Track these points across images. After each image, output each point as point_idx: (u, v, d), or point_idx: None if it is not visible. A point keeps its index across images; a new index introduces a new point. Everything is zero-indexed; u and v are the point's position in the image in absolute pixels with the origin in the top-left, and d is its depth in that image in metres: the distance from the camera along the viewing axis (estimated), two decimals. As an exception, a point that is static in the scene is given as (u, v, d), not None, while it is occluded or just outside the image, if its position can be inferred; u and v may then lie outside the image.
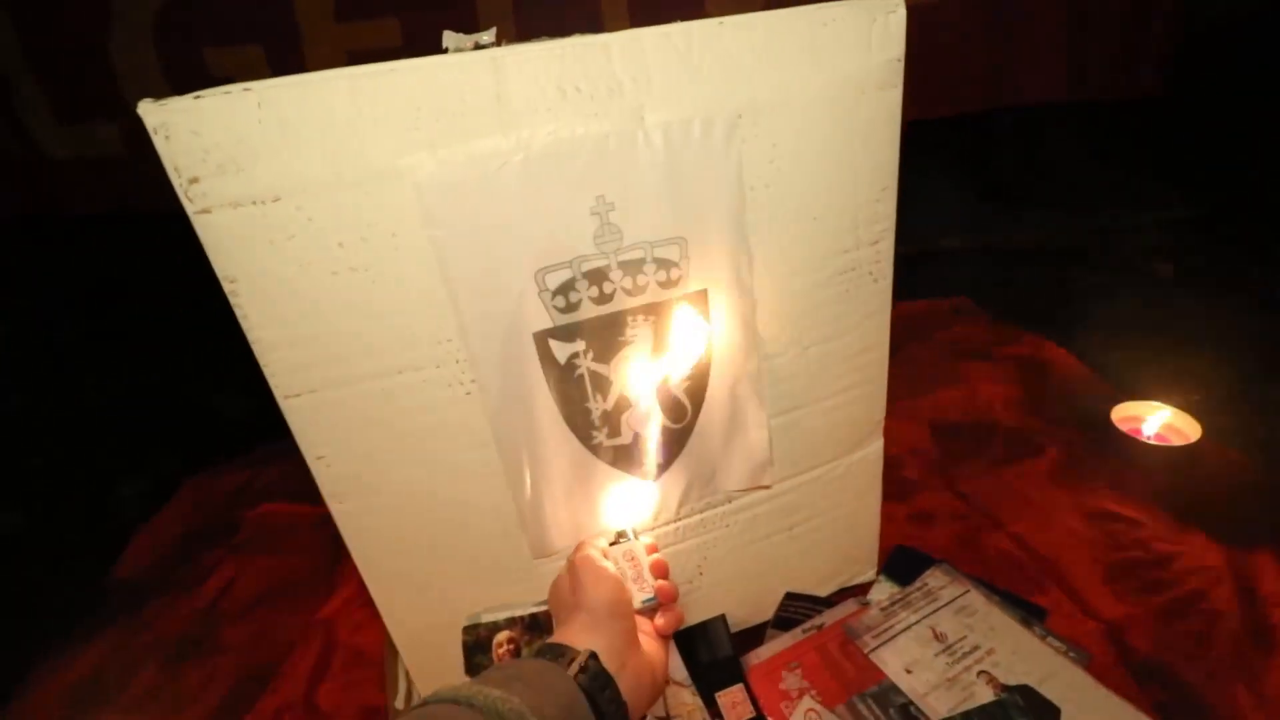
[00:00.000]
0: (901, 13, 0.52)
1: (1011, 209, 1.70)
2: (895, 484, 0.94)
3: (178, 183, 0.42)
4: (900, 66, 0.54)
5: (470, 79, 0.44)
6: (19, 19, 1.93)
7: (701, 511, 0.67)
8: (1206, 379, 1.05)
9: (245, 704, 0.77)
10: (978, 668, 0.68)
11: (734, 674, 0.69)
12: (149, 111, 0.40)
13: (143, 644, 0.88)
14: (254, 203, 0.43)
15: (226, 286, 0.45)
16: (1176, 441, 0.96)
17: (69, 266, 1.91)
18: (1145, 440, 0.97)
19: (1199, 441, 0.94)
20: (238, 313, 0.46)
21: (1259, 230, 1.51)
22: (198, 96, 0.41)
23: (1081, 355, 1.20)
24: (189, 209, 0.43)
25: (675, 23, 0.48)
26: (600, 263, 0.52)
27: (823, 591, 0.78)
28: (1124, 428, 0.99)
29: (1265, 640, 0.69)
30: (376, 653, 0.81)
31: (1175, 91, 1.66)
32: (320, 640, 0.84)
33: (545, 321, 0.52)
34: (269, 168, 0.43)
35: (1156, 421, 0.99)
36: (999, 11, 1.71)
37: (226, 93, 0.41)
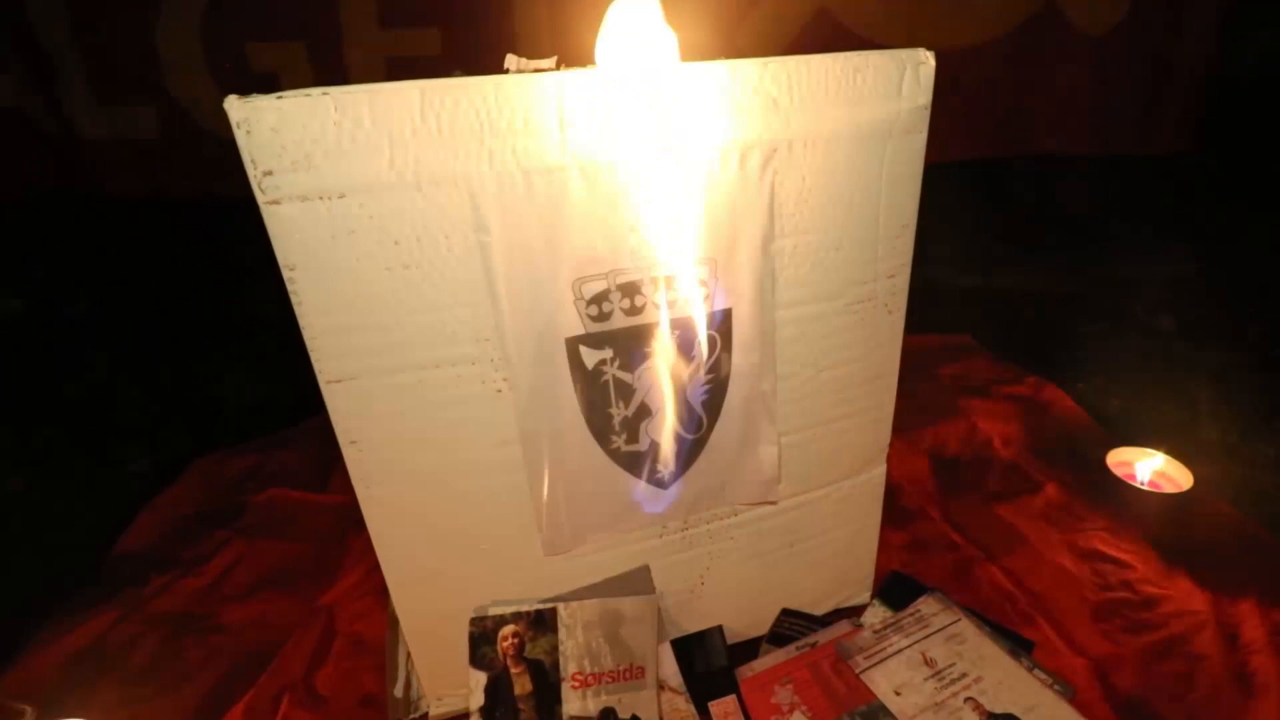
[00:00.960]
0: (931, 64, 0.56)
1: (1020, 253, 1.74)
2: (892, 512, 0.96)
3: (252, 174, 0.45)
4: (926, 114, 0.57)
5: (535, 99, 0.47)
6: (70, -1, 1.97)
7: (708, 522, 0.69)
8: (1201, 430, 1.08)
9: (244, 683, 0.78)
10: (965, 694, 0.70)
11: (728, 685, 0.71)
12: (234, 106, 0.44)
13: (144, 618, 0.89)
14: (321, 198, 0.46)
15: (286, 273, 0.48)
16: (1168, 488, 0.98)
17: (92, 246, 1.94)
18: (1138, 485, 1.00)
19: (1190, 490, 0.96)
20: (294, 299, 0.49)
21: (1261, 289, 1.56)
22: (280, 96, 0.44)
23: (1080, 399, 1.23)
24: (260, 199, 0.46)
25: (720, 60, 0.52)
26: (634, 277, 0.55)
27: (818, 611, 0.80)
28: (1118, 472, 1.02)
29: (1246, 685, 0.71)
30: (377, 641, 0.82)
31: (1192, 150, 1.72)
32: (321, 626, 0.85)
33: (577, 328, 0.55)
34: (338, 167, 0.46)
35: (1149, 468, 1.02)
36: (1026, 62, 1.77)
37: (307, 95, 0.44)
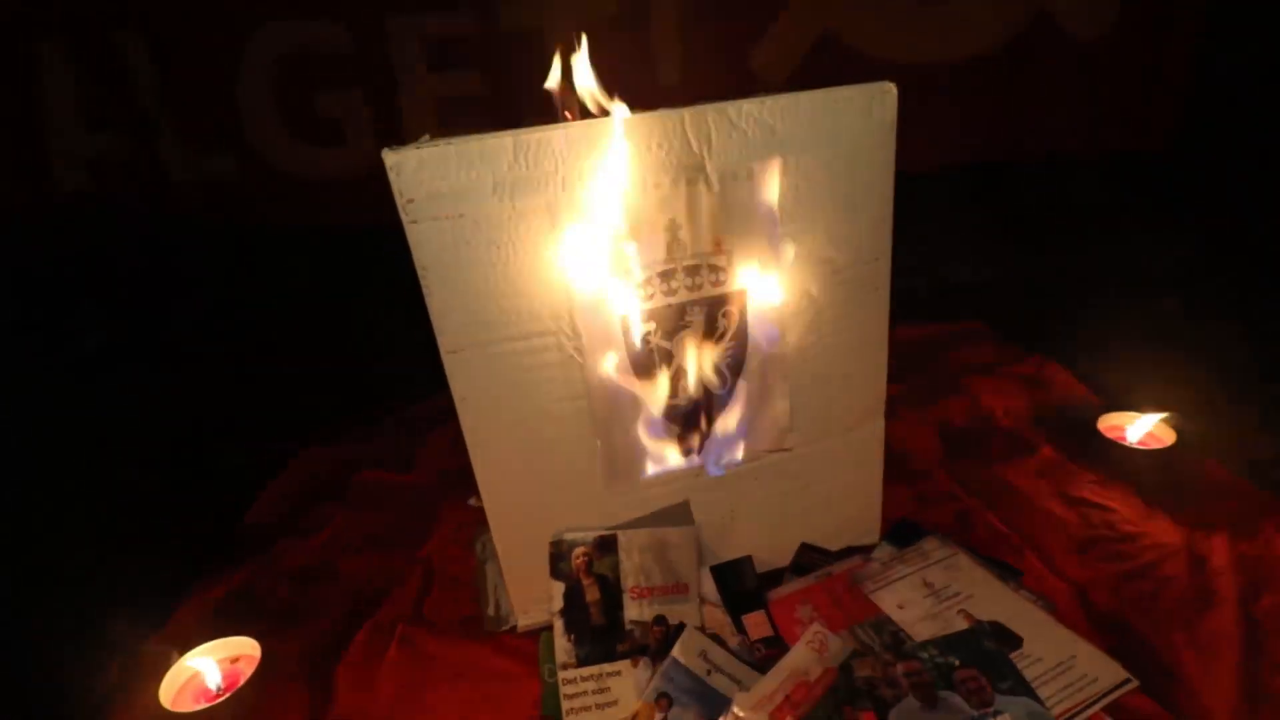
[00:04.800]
0: (894, 93, 0.72)
1: (1024, 246, 1.85)
2: (902, 473, 1.09)
3: (400, 202, 0.64)
4: (893, 131, 0.73)
5: (591, 142, 0.66)
6: (161, 60, 2.28)
7: (734, 466, 0.85)
8: (1193, 399, 1.16)
9: (364, 615, 0.96)
10: (958, 606, 0.84)
11: (758, 602, 0.86)
12: (389, 156, 0.63)
13: (274, 573, 1.08)
14: (446, 217, 0.65)
15: (420, 272, 0.67)
16: (1155, 447, 1.09)
17: (187, 270, 2.21)
18: (1127, 444, 1.11)
19: (1173, 446, 1.07)
20: (425, 291, 0.68)
21: (1262, 271, 1.63)
22: (418, 147, 0.63)
23: (1082, 377, 1.33)
24: (405, 219, 0.65)
25: (729, 101, 0.69)
26: (669, 266, 0.72)
27: (832, 547, 0.95)
28: (1109, 435, 1.13)
29: (1207, 600, 0.83)
30: (468, 579, 1.00)
31: (1183, 145, 1.81)
32: (422, 570, 1.03)
33: (628, 307, 0.73)
34: (457, 195, 0.65)
35: (1139, 430, 1.12)
36: (1023, 70, 1.90)
37: (435, 145, 0.63)
